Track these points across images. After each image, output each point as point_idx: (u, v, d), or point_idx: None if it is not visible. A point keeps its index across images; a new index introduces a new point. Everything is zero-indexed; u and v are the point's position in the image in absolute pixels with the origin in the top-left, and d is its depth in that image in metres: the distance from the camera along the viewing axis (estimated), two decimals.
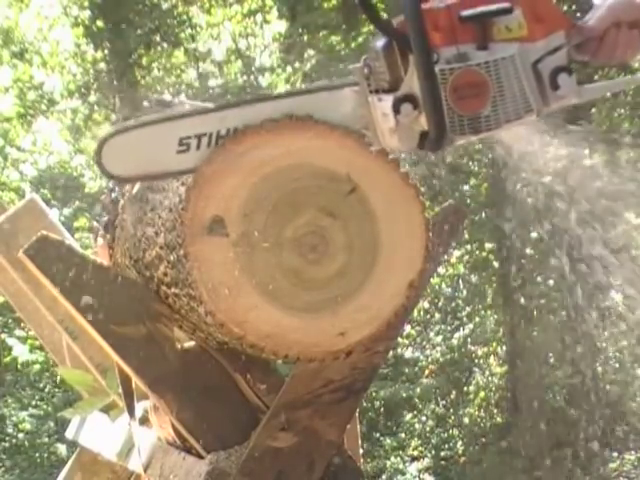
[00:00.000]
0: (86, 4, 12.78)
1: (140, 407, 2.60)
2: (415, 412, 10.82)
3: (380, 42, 1.87)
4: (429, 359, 10.85)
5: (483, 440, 10.42)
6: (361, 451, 2.88)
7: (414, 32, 1.78)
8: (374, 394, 10.11)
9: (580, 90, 1.91)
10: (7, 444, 10.41)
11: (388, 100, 1.86)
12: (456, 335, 10.80)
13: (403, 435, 10.66)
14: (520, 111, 1.87)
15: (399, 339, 9.38)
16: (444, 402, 10.79)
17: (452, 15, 1.82)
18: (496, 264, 10.37)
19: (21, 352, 10.15)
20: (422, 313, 10.96)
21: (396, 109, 1.84)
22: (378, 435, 10.60)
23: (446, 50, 1.82)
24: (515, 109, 1.86)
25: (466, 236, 9.86)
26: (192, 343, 2.38)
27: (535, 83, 1.87)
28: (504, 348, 10.58)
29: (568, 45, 1.90)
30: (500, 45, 1.84)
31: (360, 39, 9.92)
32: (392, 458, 10.31)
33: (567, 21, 1.91)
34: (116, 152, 2.05)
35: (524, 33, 1.86)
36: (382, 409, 10.96)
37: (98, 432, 2.96)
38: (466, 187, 9.87)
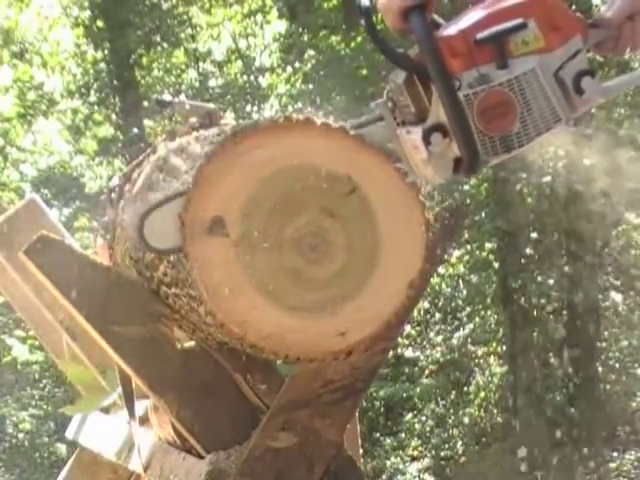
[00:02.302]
0: (86, 4, 12.79)
1: (140, 406, 2.60)
2: (415, 412, 10.82)
3: (400, 76, 1.85)
4: (429, 359, 10.85)
5: (483, 440, 10.42)
6: (361, 451, 2.88)
7: (432, 63, 1.77)
8: (374, 394, 10.11)
9: (604, 89, 1.89)
10: (7, 444, 10.42)
11: (417, 132, 1.84)
12: (456, 335, 10.80)
13: (403, 435, 10.66)
14: (549, 122, 1.85)
15: (399, 339, 9.38)
16: (444, 402, 10.79)
17: (467, 39, 1.80)
18: (496, 264, 10.37)
19: (21, 352, 10.16)
20: (422, 313, 10.96)
21: (426, 140, 1.83)
22: (378, 435, 10.60)
23: (467, 74, 1.80)
24: (544, 121, 1.84)
25: (466, 236, 9.86)
26: (192, 343, 2.38)
27: (560, 91, 1.85)
28: (504, 348, 10.57)
29: (586, 47, 1.88)
30: (519, 60, 1.82)
31: (360, 39, 9.92)
32: (392, 458, 10.31)
33: (582, 24, 1.89)
34: (157, 226, 2.06)
35: (541, 44, 1.84)
36: (382, 409, 10.96)
37: (98, 432, 2.96)
38: (466, 187, 9.87)
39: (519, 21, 1.80)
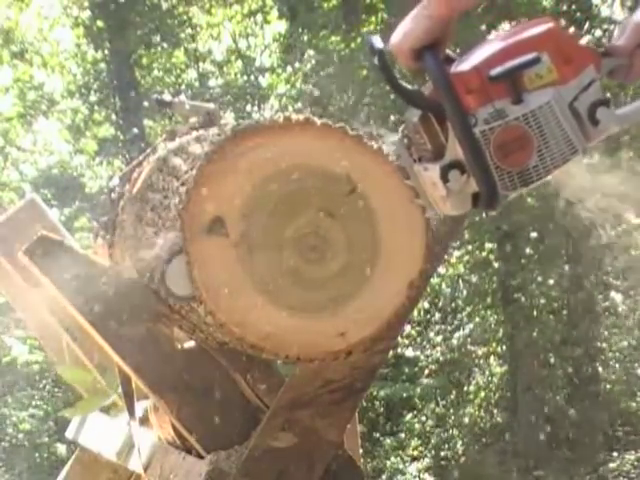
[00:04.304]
0: (86, 4, 12.80)
1: (140, 407, 2.60)
2: (415, 412, 10.82)
3: (415, 114, 1.85)
4: (429, 359, 10.85)
5: (483, 440, 10.42)
6: (361, 451, 2.88)
7: (447, 101, 1.76)
8: (374, 394, 10.11)
9: (619, 118, 1.89)
10: (7, 444, 10.42)
11: (434, 169, 1.83)
12: (456, 335, 10.79)
13: (403, 435, 10.66)
14: (566, 154, 1.84)
15: (399, 339, 9.38)
16: (444, 402, 10.79)
17: (482, 75, 1.79)
18: (496, 264, 10.37)
19: (21, 352, 10.16)
20: (422, 313, 10.96)
21: (444, 177, 1.82)
22: (378, 435, 10.60)
23: (482, 110, 1.79)
24: (561, 153, 1.84)
25: (466, 236, 9.86)
26: (192, 343, 2.38)
27: (575, 123, 1.84)
28: (504, 348, 10.58)
29: (600, 77, 1.88)
30: (534, 94, 1.81)
31: (360, 39, 9.92)
32: (392, 458, 10.31)
33: (595, 54, 1.89)
34: (178, 274, 2.07)
35: (555, 77, 1.83)
36: (382, 409, 10.96)
37: (98, 432, 2.96)
38: None
39: (533, 55, 1.80)
